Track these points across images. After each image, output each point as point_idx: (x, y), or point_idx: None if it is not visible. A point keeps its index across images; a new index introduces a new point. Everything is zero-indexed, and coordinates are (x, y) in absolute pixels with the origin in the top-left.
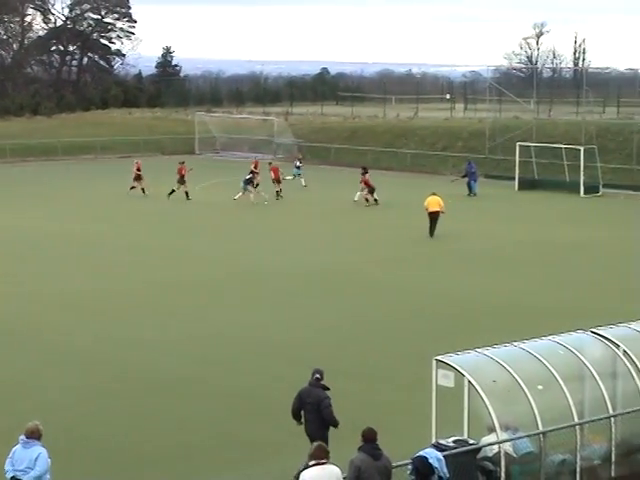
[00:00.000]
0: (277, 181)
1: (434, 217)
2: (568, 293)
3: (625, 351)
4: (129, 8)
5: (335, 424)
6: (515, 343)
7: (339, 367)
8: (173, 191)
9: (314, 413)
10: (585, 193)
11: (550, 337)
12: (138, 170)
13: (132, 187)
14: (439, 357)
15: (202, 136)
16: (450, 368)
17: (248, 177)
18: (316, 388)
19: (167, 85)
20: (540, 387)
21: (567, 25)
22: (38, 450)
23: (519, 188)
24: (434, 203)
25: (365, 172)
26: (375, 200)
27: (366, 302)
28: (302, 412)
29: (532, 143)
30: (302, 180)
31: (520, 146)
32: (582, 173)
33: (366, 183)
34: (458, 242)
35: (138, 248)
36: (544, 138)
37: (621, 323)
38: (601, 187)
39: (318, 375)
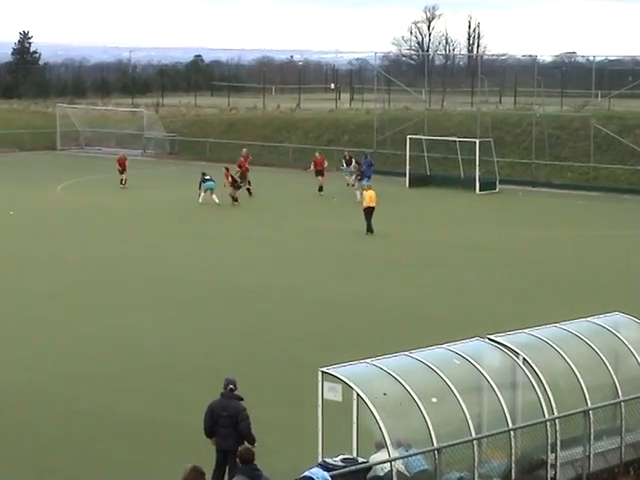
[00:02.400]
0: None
1: (370, 212)
2: (463, 298)
3: (525, 360)
4: None
5: (253, 440)
6: (407, 352)
7: (212, 378)
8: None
9: (230, 427)
10: (481, 189)
11: (445, 345)
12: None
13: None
14: (325, 368)
15: (64, 130)
16: (337, 380)
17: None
18: (232, 399)
19: (25, 74)
20: (434, 400)
21: (460, 8)
22: None
23: (410, 185)
24: (373, 197)
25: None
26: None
27: (234, 310)
28: (214, 427)
29: (424, 136)
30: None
31: (411, 139)
32: (477, 168)
33: (231, 177)
34: (343, 243)
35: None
36: (437, 131)
37: (520, 329)
38: (498, 183)
39: (232, 386)
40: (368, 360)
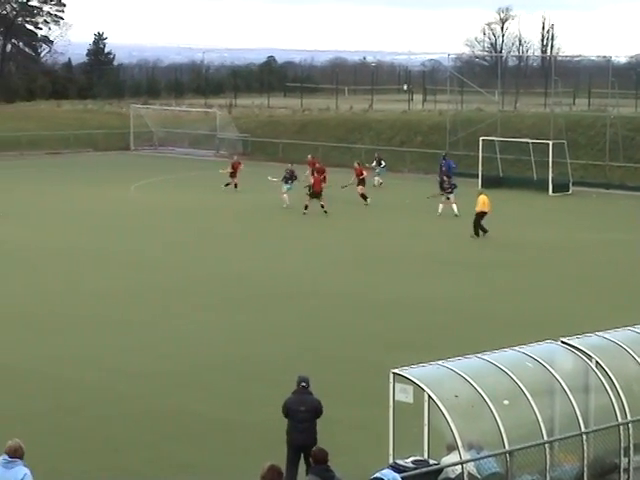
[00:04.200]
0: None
1: (483, 217)
2: (536, 299)
3: (598, 363)
4: None
5: None
6: (479, 354)
7: (284, 380)
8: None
9: (309, 421)
10: (554, 191)
11: (517, 348)
12: (234, 168)
13: (227, 184)
14: (396, 370)
15: (138, 130)
16: (409, 382)
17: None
18: (306, 395)
19: (99, 75)
20: (506, 402)
21: (534, 10)
22: (23, 470)
23: (482, 186)
24: (485, 202)
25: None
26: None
27: (313, 309)
28: (290, 423)
29: (496, 137)
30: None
31: (483, 141)
32: (550, 170)
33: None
34: (415, 244)
35: (71, 254)
36: (509, 132)
37: (594, 332)
38: (571, 185)
39: (304, 383)
40: (439, 362)
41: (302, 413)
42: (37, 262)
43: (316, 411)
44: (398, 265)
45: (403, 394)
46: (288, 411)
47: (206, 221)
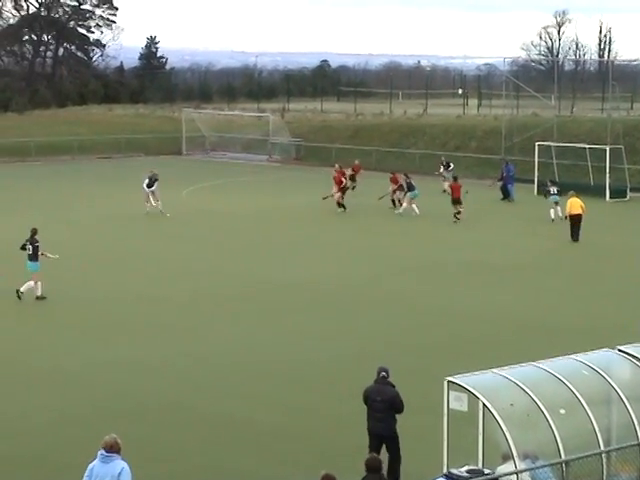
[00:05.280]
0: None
1: (576, 220)
2: (593, 307)
3: None
4: None
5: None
6: (535, 363)
7: (338, 387)
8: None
9: (385, 411)
10: (611, 197)
11: (573, 356)
12: (354, 171)
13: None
14: (451, 378)
15: (190, 135)
16: (463, 390)
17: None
18: (385, 385)
19: (151, 79)
20: (562, 411)
21: (592, 13)
22: (120, 465)
23: (539, 192)
24: (576, 205)
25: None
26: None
27: (367, 317)
28: (368, 411)
29: (553, 143)
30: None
31: (540, 146)
32: (608, 175)
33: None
34: (468, 251)
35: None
36: (566, 137)
37: None
38: (629, 191)
39: (384, 373)
40: (494, 370)
41: (379, 403)
42: (89, 268)
43: (392, 403)
44: (451, 272)
45: (457, 402)
46: (367, 399)
47: (260, 226)
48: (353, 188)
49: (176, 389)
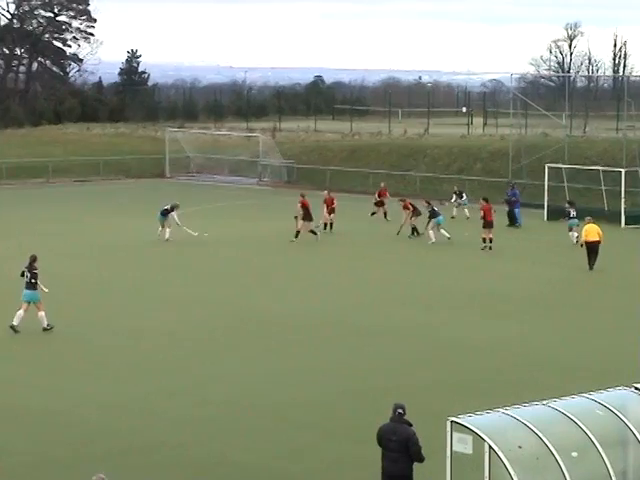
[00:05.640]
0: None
1: (593, 248)
2: (607, 342)
3: None
4: (87, 5)
5: (422, 460)
6: (545, 401)
7: (332, 428)
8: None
9: (401, 452)
10: (627, 223)
11: (586, 395)
12: (379, 196)
13: (373, 212)
14: (454, 418)
15: (174, 156)
16: (468, 431)
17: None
18: (401, 424)
19: (132, 96)
20: (575, 454)
21: (606, 26)
22: None
23: (549, 217)
24: (593, 232)
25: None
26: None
27: (367, 350)
28: (383, 452)
29: (564, 165)
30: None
31: (550, 168)
32: (623, 200)
33: (410, 206)
34: (473, 281)
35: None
36: (578, 159)
37: None
38: None
39: (400, 410)
40: (501, 409)
41: (393, 443)
42: (65, 296)
43: (407, 442)
44: (458, 303)
45: (462, 444)
46: (381, 439)
47: (252, 254)
48: (385, 215)
49: (161, 428)
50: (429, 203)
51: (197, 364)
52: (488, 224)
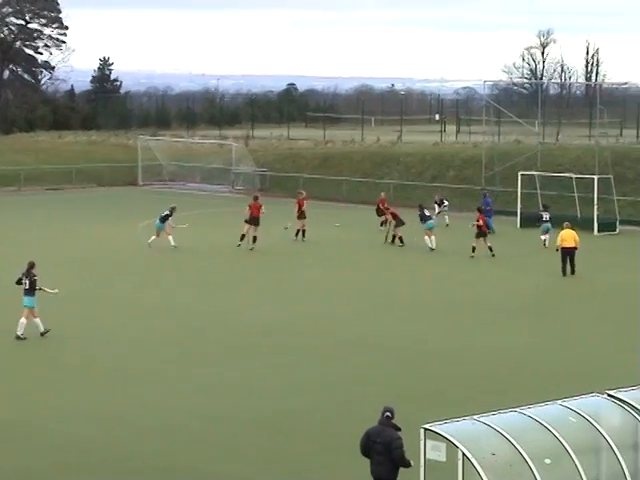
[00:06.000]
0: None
1: (568, 254)
2: (580, 349)
3: None
4: (59, 12)
5: (407, 465)
6: (518, 409)
7: (303, 436)
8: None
9: (385, 454)
10: (599, 230)
11: (559, 402)
12: (380, 206)
13: (382, 222)
14: (428, 425)
15: (146, 164)
16: (441, 438)
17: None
18: (387, 427)
19: (105, 104)
20: (548, 461)
21: (578, 33)
22: None
23: (522, 225)
24: (569, 238)
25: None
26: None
27: (347, 360)
28: (370, 454)
29: (537, 172)
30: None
31: (523, 175)
32: (596, 207)
33: (392, 214)
34: (449, 290)
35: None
36: (551, 166)
37: None
38: (618, 224)
39: (389, 413)
40: (475, 417)
41: (378, 445)
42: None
43: (389, 445)
44: (434, 312)
45: (435, 452)
46: (367, 441)
47: (228, 262)
48: (383, 224)
49: (131, 438)
50: (421, 207)
51: (168, 373)
52: (482, 233)
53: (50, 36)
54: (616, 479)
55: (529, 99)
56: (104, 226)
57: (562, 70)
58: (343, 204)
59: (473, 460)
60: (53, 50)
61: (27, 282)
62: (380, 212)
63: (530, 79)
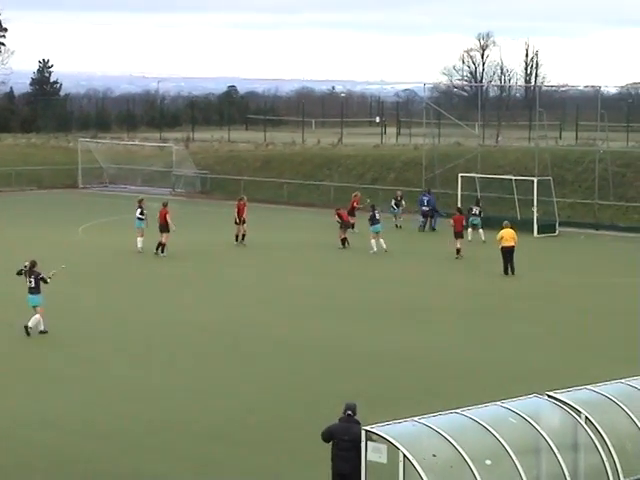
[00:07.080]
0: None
1: (508, 252)
2: (519, 350)
3: (587, 419)
4: None
5: None
6: (459, 410)
7: (241, 438)
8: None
9: (352, 451)
10: (539, 232)
11: (500, 403)
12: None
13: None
14: (368, 427)
15: (86, 166)
16: (382, 440)
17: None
18: (353, 424)
19: (44, 106)
20: (488, 462)
21: (517, 36)
22: None
23: (466, 226)
24: (508, 237)
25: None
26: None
27: (276, 364)
28: (333, 451)
29: (477, 174)
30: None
31: (463, 177)
32: (535, 209)
33: (338, 214)
34: (384, 291)
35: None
36: (491, 168)
37: (583, 385)
38: (558, 225)
39: (350, 411)
40: (416, 418)
41: (346, 442)
42: None
43: (359, 442)
44: (372, 313)
45: (376, 453)
46: (331, 438)
47: (161, 265)
48: (352, 226)
49: (75, 443)
50: (373, 208)
51: (110, 377)
52: (458, 235)
53: None
54: (556, 479)
55: (469, 101)
56: (42, 229)
57: (502, 73)
58: (284, 206)
59: (414, 461)
60: None
61: (32, 281)
62: (353, 212)
63: (470, 82)
